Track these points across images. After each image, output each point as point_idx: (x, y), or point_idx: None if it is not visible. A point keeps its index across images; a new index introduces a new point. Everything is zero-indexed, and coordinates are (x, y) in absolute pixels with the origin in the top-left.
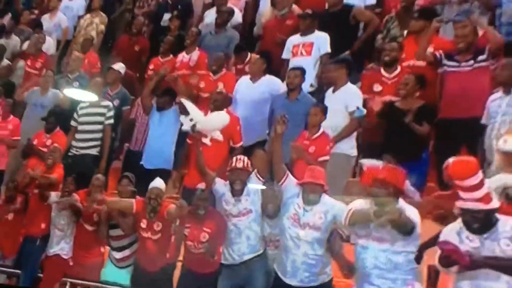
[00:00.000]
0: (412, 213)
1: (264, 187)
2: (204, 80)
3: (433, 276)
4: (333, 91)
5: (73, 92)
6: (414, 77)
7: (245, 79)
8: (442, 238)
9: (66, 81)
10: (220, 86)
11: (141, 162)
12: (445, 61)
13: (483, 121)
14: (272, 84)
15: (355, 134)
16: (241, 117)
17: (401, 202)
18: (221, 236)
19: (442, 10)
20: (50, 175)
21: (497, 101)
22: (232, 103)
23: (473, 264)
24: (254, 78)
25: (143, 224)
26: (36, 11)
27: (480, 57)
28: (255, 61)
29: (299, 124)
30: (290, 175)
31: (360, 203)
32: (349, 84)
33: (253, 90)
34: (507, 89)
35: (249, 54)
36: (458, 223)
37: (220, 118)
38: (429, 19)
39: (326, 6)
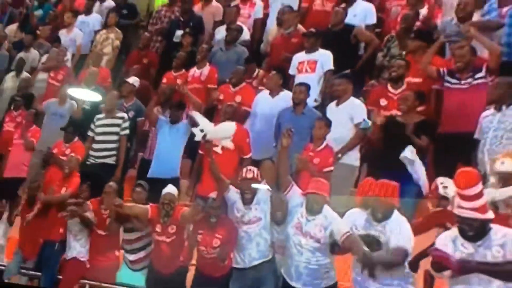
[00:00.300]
0: (405, 232)
1: (271, 191)
2: (223, 92)
3: (428, 280)
4: (337, 105)
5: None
6: (413, 93)
7: (264, 93)
8: (436, 244)
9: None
10: (238, 99)
11: (149, 174)
12: (447, 78)
13: (476, 136)
14: (290, 99)
15: (358, 145)
16: (259, 130)
17: (395, 214)
18: (232, 242)
19: (443, 28)
20: (60, 194)
21: (489, 117)
22: (250, 116)
23: (465, 269)
24: (272, 93)
25: (158, 229)
26: (50, 27)
27: (478, 75)
28: (272, 76)
29: (304, 137)
30: (295, 185)
31: (356, 213)
32: (352, 98)
33: (272, 104)
34: (499, 107)
35: (257, 69)
36: (453, 231)
37: (227, 127)
38: (424, 40)
39: (329, 25)
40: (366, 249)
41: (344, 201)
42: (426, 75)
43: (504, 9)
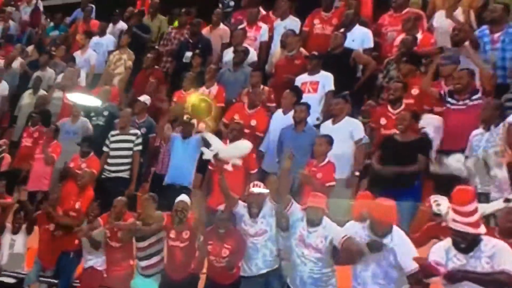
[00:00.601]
0: (408, 245)
1: (274, 204)
2: (238, 112)
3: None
4: (333, 123)
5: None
6: (409, 113)
7: (279, 111)
8: (430, 254)
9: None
10: (253, 123)
11: (164, 181)
12: (448, 99)
13: (467, 153)
14: None
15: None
16: (271, 146)
17: (395, 229)
18: (240, 252)
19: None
20: (66, 219)
21: (478, 136)
22: (268, 132)
23: (455, 278)
24: (285, 111)
25: (172, 235)
26: (64, 47)
27: (475, 96)
28: (286, 95)
29: (305, 153)
30: (294, 202)
31: (355, 225)
32: (348, 117)
33: (283, 121)
34: (487, 127)
35: (261, 85)
36: (447, 242)
37: (242, 146)
38: (415, 64)
39: (329, 48)
40: (364, 248)
41: (342, 213)
42: (417, 97)
43: (496, 35)
